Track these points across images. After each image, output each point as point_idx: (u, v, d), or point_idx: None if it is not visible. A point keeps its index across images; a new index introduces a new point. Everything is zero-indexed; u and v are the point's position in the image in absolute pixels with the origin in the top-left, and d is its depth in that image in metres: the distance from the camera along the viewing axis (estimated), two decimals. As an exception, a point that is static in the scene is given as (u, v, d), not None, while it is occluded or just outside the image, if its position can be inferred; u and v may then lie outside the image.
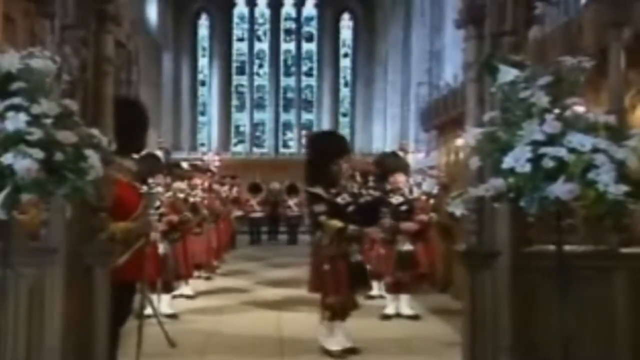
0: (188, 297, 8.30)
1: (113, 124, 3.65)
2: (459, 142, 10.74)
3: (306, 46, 28.00)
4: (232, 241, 14.92)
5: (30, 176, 2.49)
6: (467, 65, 3.88)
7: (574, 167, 2.60)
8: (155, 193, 5.42)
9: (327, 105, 27.61)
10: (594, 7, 7.00)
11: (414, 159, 16.15)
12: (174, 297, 7.74)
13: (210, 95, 27.57)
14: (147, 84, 17.93)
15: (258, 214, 17.71)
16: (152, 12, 22.43)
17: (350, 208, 5.80)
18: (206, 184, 10.79)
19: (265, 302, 8.32)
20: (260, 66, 27.96)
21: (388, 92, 24.92)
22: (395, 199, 7.31)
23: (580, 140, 2.65)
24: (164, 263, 6.94)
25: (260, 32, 27.99)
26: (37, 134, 2.54)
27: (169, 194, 7.61)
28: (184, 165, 9.03)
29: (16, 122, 2.54)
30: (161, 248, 6.93)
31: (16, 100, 2.61)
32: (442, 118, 14.38)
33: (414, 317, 7.24)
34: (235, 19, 27.84)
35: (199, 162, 12.71)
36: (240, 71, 27.87)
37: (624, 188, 2.58)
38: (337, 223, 5.57)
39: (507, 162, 2.69)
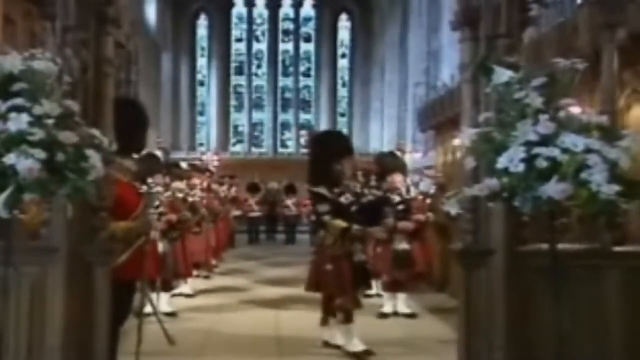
0: (187, 296, 8.34)
1: (113, 124, 3.67)
2: (456, 142, 10.76)
3: (304, 47, 28.02)
4: (231, 241, 14.97)
5: (33, 176, 2.51)
6: (462, 67, 3.91)
7: (567, 168, 2.63)
8: (155, 193, 5.43)
9: (325, 106, 27.64)
10: (589, 8, 7.03)
11: (411, 159, 16.17)
12: (173, 295, 7.78)
13: (209, 96, 27.58)
14: (146, 84, 17.94)
15: (257, 214, 17.75)
16: (151, 13, 22.44)
17: (354, 208, 5.81)
18: (205, 184, 10.82)
19: (264, 301, 8.36)
20: (259, 67, 27.99)
21: (385, 92, 24.92)
22: (393, 199, 7.35)
23: (573, 141, 2.67)
24: (163, 262, 6.97)
25: (258, 33, 28.01)
26: (39, 134, 2.57)
27: (168, 194, 7.62)
28: (183, 165, 9.04)
29: (19, 123, 2.57)
30: (161, 247, 6.95)
31: (18, 101, 2.63)
32: (439, 118, 14.37)
33: (412, 316, 7.28)
34: (234, 20, 27.87)
35: (198, 162, 12.73)
36: (239, 71, 27.89)
37: (616, 188, 2.61)
38: (341, 223, 5.57)
39: (502, 162, 2.71)
